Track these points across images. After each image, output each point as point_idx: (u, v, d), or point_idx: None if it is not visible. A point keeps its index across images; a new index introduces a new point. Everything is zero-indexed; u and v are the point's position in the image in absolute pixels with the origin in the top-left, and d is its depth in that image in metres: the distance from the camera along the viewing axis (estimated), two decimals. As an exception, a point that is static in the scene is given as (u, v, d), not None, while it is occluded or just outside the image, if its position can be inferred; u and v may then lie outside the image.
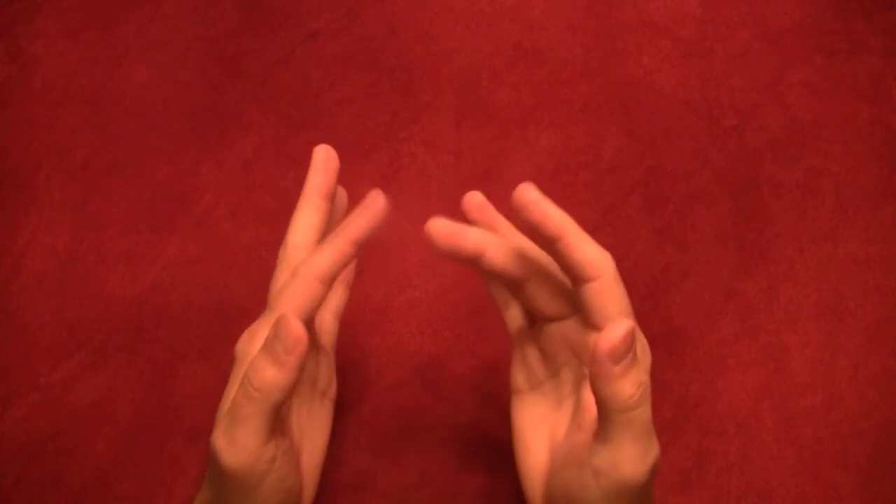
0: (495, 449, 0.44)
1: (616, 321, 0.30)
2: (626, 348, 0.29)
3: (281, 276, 0.36)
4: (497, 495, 0.43)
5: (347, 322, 0.47)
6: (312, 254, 0.34)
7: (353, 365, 0.47)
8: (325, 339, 0.40)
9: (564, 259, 0.32)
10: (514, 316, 0.38)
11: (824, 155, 0.53)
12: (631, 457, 0.31)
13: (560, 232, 0.32)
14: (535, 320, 0.37)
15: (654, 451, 0.31)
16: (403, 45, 0.57)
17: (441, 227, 0.33)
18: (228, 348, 0.47)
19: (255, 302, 0.48)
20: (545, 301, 0.35)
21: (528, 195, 0.32)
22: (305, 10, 0.59)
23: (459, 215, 0.35)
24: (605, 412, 0.30)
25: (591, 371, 0.30)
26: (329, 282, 0.34)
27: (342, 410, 0.45)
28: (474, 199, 0.36)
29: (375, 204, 0.34)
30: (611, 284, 0.32)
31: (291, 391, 0.32)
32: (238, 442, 0.32)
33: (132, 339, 0.47)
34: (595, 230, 0.50)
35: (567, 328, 0.35)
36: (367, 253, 0.35)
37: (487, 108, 0.55)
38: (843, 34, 0.57)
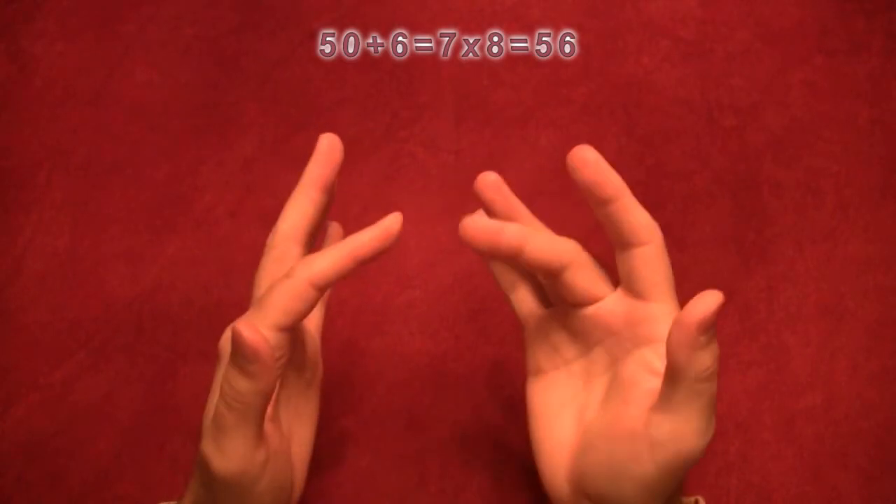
0: (495, 449, 0.44)
1: (707, 292, 0.29)
2: (714, 320, 0.29)
3: (267, 264, 0.35)
4: (497, 495, 0.43)
5: (347, 322, 0.48)
6: (311, 257, 0.33)
7: (353, 365, 0.47)
8: (311, 323, 0.39)
9: (617, 222, 0.33)
10: (522, 299, 0.37)
11: (824, 155, 0.53)
12: (695, 429, 0.31)
13: (616, 194, 0.32)
14: (558, 303, 0.36)
15: (712, 429, 0.31)
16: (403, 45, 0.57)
17: (477, 226, 0.32)
18: (228, 348, 0.47)
19: (255, 302, 0.48)
20: (582, 287, 0.34)
21: (586, 155, 0.32)
22: (305, 10, 0.59)
23: (457, 216, 0.34)
24: (679, 382, 0.30)
25: (674, 338, 0.29)
26: (324, 289, 0.33)
27: (342, 411, 0.45)
28: (489, 179, 0.35)
29: (390, 227, 0.33)
30: (660, 251, 0.33)
31: (271, 394, 0.31)
32: (226, 450, 0.31)
33: (132, 339, 0.47)
34: (595, 230, 0.50)
35: (603, 308, 0.34)
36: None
37: (487, 108, 0.55)
38: (843, 34, 0.57)
